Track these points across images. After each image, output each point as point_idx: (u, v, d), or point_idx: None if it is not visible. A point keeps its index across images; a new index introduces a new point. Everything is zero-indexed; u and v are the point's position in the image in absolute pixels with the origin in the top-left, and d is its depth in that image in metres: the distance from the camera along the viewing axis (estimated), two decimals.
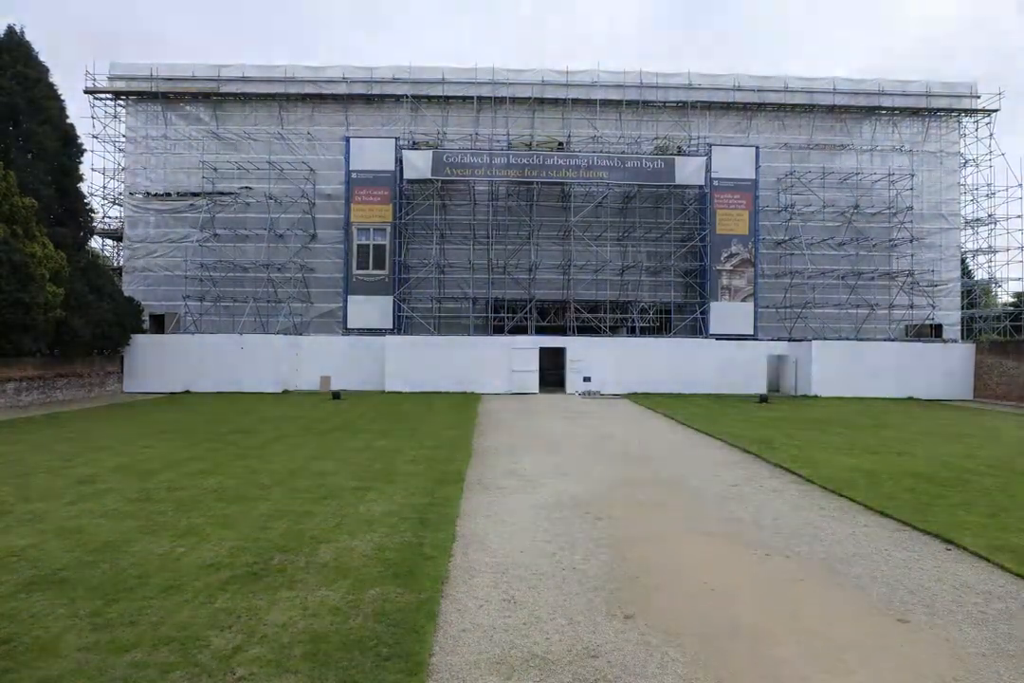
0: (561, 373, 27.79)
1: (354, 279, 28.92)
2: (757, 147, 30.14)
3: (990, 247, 31.87)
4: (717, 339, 28.54)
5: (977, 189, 32.20)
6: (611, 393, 26.96)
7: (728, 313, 29.72)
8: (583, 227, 29.94)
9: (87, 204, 27.04)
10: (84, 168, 27.37)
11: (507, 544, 7.22)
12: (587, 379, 27.34)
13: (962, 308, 32.75)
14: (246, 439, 14.72)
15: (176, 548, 6.79)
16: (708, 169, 29.32)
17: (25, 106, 22.78)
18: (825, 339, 28.91)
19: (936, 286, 31.57)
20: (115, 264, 32.66)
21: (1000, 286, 32.75)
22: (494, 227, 30.01)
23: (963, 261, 33.44)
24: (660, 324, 31.34)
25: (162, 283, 30.73)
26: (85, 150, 26.42)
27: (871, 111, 32.25)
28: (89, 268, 24.49)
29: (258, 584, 5.85)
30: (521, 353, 27.14)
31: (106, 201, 31.50)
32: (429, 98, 31.49)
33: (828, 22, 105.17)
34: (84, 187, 27.45)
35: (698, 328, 29.87)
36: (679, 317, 30.75)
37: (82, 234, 25.64)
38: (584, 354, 27.43)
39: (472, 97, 31.30)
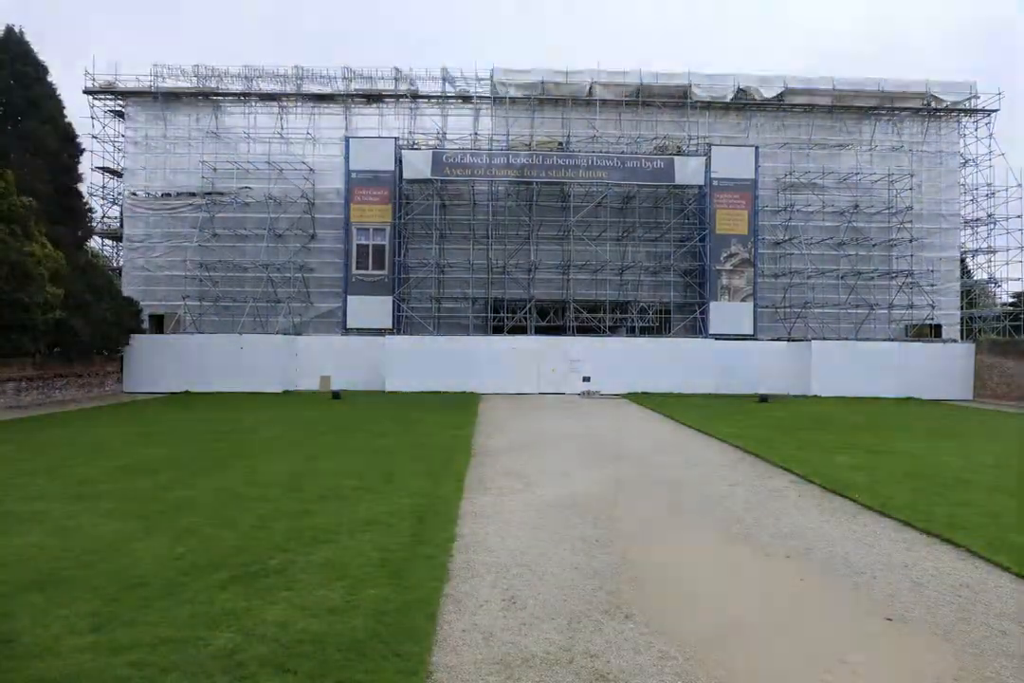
0: None
1: (354, 279, 28.91)
2: (757, 147, 30.12)
3: (990, 247, 31.83)
4: (717, 339, 28.52)
5: (977, 189, 32.16)
6: (611, 393, 26.94)
7: (728, 313, 29.70)
8: (583, 227, 29.93)
9: (86, 204, 27.03)
10: (84, 168, 27.37)
11: (507, 544, 7.21)
12: (587, 379, 27.32)
13: (962, 308, 32.72)
14: (246, 439, 14.71)
15: (176, 548, 6.79)
16: (708, 169, 29.31)
17: (24, 105, 22.77)
18: (825, 339, 28.90)
19: (936, 286, 31.55)
20: (115, 264, 32.61)
21: (1000, 286, 32.75)
22: (494, 227, 29.99)
23: (963, 261, 33.41)
24: (660, 324, 31.32)
25: (162, 283, 30.68)
26: (84, 150, 26.42)
27: (871, 111, 32.23)
28: (88, 268, 24.46)
29: (258, 584, 5.85)
30: (521, 353, 27.11)
31: (106, 201, 31.47)
32: (429, 98, 31.48)
33: (828, 21, 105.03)
34: (84, 187, 27.44)
35: (698, 328, 29.86)
36: (679, 317, 30.73)
37: (81, 234, 25.61)
38: (584, 354, 27.41)
39: (472, 97, 31.29)
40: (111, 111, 31.18)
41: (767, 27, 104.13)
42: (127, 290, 29.02)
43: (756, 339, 29.37)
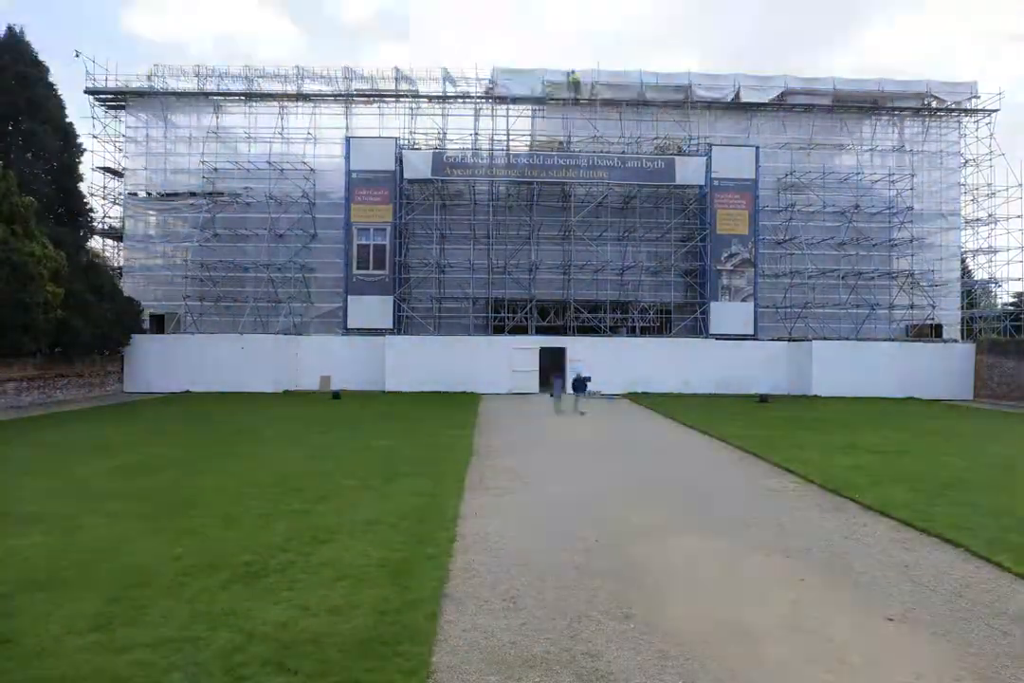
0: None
1: (354, 279, 28.90)
2: (757, 147, 30.09)
3: (990, 247, 31.80)
4: (717, 339, 28.51)
5: (977, 189, 32.13)
6: (611, 393, 26.90)
7: (728, 313, 29.67)
8: (583, 227, 29.91)
9: (87, 204, 27.05)
10: (84, 168, 27.40)
11: (507, 544, 7.21)
12: (587, 379, 27.23)
13: (962, 308, 32.70)
14: (246, 439, 14.72)
15: (176, 548, 6.79)
16: (708, 169, 29.28)
17: (25, 105, 22.79)
18: (825, 339, 28.87)
19: (936, 286, 31.51)
20: (115, 264, 32.60)
21: (1000, 286, 32.73)
22: (494, 227, 29.97)
23: (963, 261, 33.38)
24: (660, 324, 31.30)
25: (162, 283, 30.69)
26: (85, 150, 26.44)
27: (871, 111, 32.21)
28: (89, 268, 24.47)
29: (258, 584, 5.85)
30: (521, 353, 27.11)
31: (106, 201, 31.45)
32: (429, 98, 31.49)
33: (827, 21, 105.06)
34: (84, 187, 27.46)
35: (698, 328, 29.83)
36: (679, 317, 30.71)
37: (82, 234, 25.62)
38: (584, 354, 27.38)
39: (472, 96, 31.30)
40: (111, 111, 31.18)
41: (768, 27, 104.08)
42: (127, 290, 29.00)
43: (757, 339, 29.35)
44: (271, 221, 30.20)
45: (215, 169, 30.39)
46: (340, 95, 31.13)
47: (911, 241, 31.15)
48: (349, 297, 28.84)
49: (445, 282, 30.48)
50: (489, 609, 5.46)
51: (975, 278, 33.77)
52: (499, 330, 29.62)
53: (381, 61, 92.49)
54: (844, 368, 26.99)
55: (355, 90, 31.19)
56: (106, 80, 30.52)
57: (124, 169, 31.09)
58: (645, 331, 30.56)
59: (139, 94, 30.65)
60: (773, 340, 29.35)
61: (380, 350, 27.03)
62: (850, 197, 31.37)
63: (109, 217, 32.11)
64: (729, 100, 31.64)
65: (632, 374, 27.12)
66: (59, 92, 24.50)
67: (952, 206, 32.27)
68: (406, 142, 30.11)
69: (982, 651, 4.84)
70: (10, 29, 23.35)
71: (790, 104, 31.84)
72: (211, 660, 4.46)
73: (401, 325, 29.12)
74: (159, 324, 29.66)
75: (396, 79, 31.13)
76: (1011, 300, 34.69)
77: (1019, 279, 32.05)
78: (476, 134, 31.02)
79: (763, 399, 24.31)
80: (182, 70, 30.68)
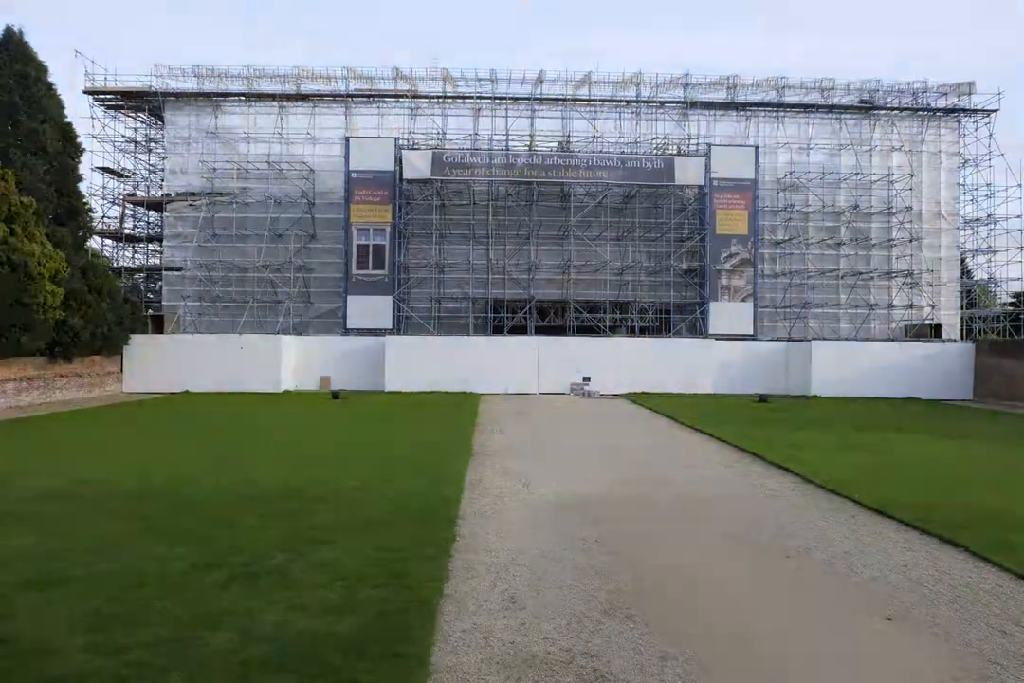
0: None
1: (354, 279, 28.91)
2: (757, 147, 30.13)
3: (990, 247, 31.84)
4: (717, 339, 28.52)
5: (977, 189, 32.21)
6: (610, 393, 26.91)
7: (728, 313, 29.69)
8: (582, 227, 29.93)
9: (86, 204, 27.01)
10: (84, 168, 27.38)
11: (507, 544, 7.21)
12: (587, 379, 27.29)
13: (962, 308, 32.73)
14: (245, 439, 14.72)
15: (175, 548, 6.78)
16: (708, 169, 29.31)
17: (24, 105, 22.76)
18: (825, 339, 28.87)
19: (935, 286, 31.54)
20: (115, 264, 32.58)
21: (1000, 286, 32.75)
22: (494, 227, 30.00)
23: (963, 261, 33.44)
24: (660, 324, 31.34)
25: (162, 283, 30.70)
26: (84, 149, 26.43)
27: (871, 111, 32.24)
28: (89, 268, 24.44)
29: (257, 584, 5.84)
30: (521, 353, 27.11)
31: (106, 201, 31.45)
32: (429, 98, 31.50)
33: (828, 21, 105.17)
34: (84, 187, 27.44)
35: (698, 328, 29.85)
36: (679, 317, 30.75)
37: (82, 234, 25.58)
38: (584, 354, 27.39)
39: (472, 97, 31.31)
40: (111, 111, 31.16)
41: (770, 27, 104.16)
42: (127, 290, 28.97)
43: (756, 339, 29.37)
44: (270, 221, 30.21)
45: (215, 169, 30.39)
46: (339, 95, 31.15)
47: (910, 241, 31.20)
48: (349, 297, 28.86)
49: (444, 282, 30.51)
50: (489, 609, 5.45)
51: (974, 278, 33.80)
52: (499, 330, 29.64)
53: (381, 61, 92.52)
54: (843, 368, 26.98)
55: (355, 90, 31.21)
56: (105, 80, 30.54)
57: (124, 169, 31.08)
58: (644, 331, 30.59)
59: (139, 94, 30.65)
60: (773, 340, 29.36)
61: (380, 350, 27.02)
62: (850, 197, 31.41)
63: (109, 217, 32.13)
64: (729, 100, 31.67)
65: (631, 374, 27.11)
66: (58, 92, 24.48)
67: (951, 206, 32.31)
68: (406, 142, 30.12)
69: (982, 651, 4.83)
70: (8, 29, 23.32)
71: (790, 104, 31.88)
72: (210, 660, 4.45)
73: (401, 325, 29.14)
74: (159, 324, 29.65)
75: (395, 79, 31.15)
76: (1010, 300, 34.72)
77: (1018, 279, 32.05)
78: (476, 134, 31.05)
79: (763, 399, 24.32)
80: (182, 70, 30.70)
